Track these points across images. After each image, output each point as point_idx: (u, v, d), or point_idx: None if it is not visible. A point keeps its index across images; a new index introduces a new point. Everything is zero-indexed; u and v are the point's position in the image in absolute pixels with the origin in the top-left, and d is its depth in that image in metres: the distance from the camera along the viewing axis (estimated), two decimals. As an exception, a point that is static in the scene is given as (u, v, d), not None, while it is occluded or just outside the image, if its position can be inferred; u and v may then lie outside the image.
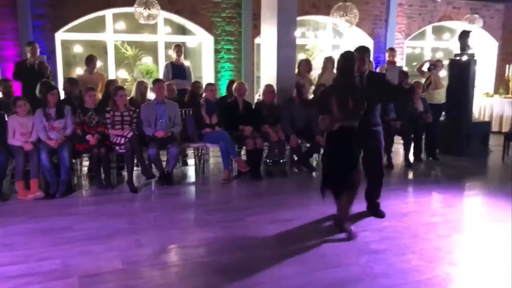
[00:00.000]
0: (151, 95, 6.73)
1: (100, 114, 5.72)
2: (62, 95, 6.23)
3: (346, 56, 4.20)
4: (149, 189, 5.69)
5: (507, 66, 10.33)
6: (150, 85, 6.66)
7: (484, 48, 11.17)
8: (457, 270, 3.52)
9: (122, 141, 5.55)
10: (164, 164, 5.89)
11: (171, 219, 4.60)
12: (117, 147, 5.62)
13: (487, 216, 4.81)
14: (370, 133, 4.48)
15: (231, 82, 7.02)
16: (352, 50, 4.41)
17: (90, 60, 7.06)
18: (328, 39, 10.26)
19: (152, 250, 3.82)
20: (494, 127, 9.63)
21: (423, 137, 7.30)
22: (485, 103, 10.35)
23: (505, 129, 9.50)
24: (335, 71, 7.47)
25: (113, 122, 5.71)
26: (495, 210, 4.97)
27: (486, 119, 9.88)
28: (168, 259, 3.73)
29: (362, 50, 4.51)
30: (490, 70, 11.33)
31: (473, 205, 5.37)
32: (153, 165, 5.87)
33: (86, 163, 6.01)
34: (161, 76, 7.85)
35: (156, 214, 4.73)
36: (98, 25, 8.58)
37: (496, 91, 10.74)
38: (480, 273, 3.49)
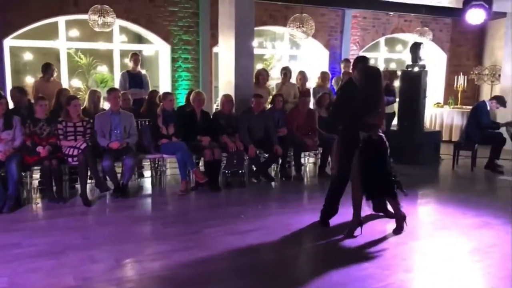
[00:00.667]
0: (105, 105, 6.56)
1: (52, 124, 5.52)
2: (11, 105, 5.96)
3: (375, 72, 4.40)
4: (103, 202, 5.53)
5: (456, 77, 10.80)
6: (104, 95, 6.50)
7: (434, 60, 11.63)
8: (412, 277, 3.61)
9: (75, 152, 5.37)
10: (119, 176, 5.74)
11: (126, 232, 4.47)
12: (69, 159, 5.43)
13: (438, 223, 4.96)
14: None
15: (191, 92, 6.94)
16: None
17: (47, 68, 6.85)
18: (285, 50, 10.39)
19: (106, 266, 3.70)
20: (444, 136, 10.00)
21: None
22: (435, 113, 10.76)
23: (454, 138, 9.88)
24: (293, 80, 7.74)
25: (65, 133, 5.52)
26: (445, 218, 5.14)
27: (437, 128, 10.25)
28: (123, 274, 3.61)
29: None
30: (440, 81, 11.80)
31: (425, 213, 5.52)
32: (107, 177, 5.71)
33: (37, 175, 5.77)
34: (117, 85, 7.68)
35: (110, 228, 4.59)
36: (50, 32, 8.31)
37: (445, 102, 11.18)
38: (434, 279, 3.59)
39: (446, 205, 5.62)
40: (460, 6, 7.92)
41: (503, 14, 10.00)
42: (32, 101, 6.12)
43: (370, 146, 4.28)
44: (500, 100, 7.61)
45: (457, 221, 4.98)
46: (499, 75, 10.58)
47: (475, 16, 7.66)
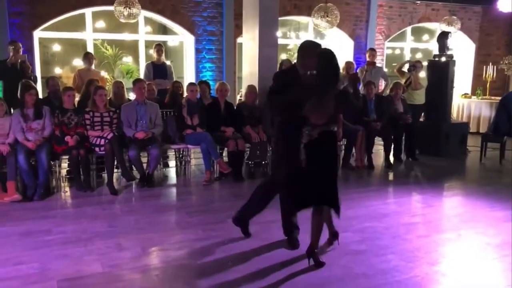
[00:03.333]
0: (131, 95, 6.66)
1: (79, 114, 5.64)
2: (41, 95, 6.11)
3: (325, 55, 3.59)
4: (129, 191, 5.63)
5: (484, 67, 10.54)
6: (129, 85, 6.58)
7: (462, 50, 11.36)
8: (437, 270, 3.57)
9: (102, 142, 5.48)
10: (144, 165, 5.83)
11: (152, 221, 4.55)
12: (96, 149, 5.55)
13: (465, 216, 4.89)
14: None
15: (201, 83, 6.94)
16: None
17: (86, 56, 7.14)
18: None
19: (132, 253, 3.78)
20: (472, 128, 9.80)
21: (403, 138, 7.38)
22: (463, 103, 10.54)
23: (482, 130, 9.68)
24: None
25: (92, 123, 5.63)
26: (472, 210, 5.06)
27: (464, 120, 10.05)
28: (149, 262, 3.69)
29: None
30: (467, 71, 11.53)
31: (452, 206, 5.44)
32: (133, 167, 5.81)
33: (65, 165, 5.92)
34: (142, 76, 7.77)
35: (136, 217, 4.68)
36: (77, 24, 8.45)
37: (473, 92, 10.93)
38: (459, 272, 3.55)
39: (473, 197, 5.52)
40: (490, -6, 7.72)
41: (536, 2, 9.69)
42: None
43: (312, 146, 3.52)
44: (531, 91, 7.41)
45: (485, 214, 4.90)
46: (531, 65, 10.29)
47: (507, 4, 7.43)
